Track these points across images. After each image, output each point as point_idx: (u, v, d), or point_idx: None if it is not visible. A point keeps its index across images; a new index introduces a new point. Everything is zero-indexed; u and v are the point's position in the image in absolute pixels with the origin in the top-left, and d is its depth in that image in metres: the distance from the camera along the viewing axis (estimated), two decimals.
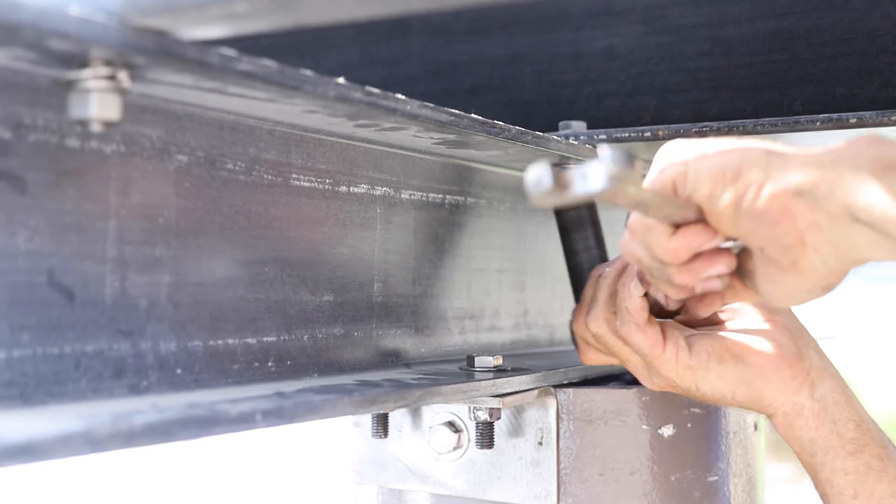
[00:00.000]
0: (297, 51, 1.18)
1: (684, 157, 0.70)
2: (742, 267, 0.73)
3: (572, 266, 0.99)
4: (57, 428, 0.50)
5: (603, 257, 0.98)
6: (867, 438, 0.80)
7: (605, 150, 0.56)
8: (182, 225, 0.66)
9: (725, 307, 0.82)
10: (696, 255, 0.70)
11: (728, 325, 0.83)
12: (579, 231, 0.98)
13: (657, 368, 0.80)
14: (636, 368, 0.82)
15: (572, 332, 0.85)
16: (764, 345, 0.80)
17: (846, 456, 0.79)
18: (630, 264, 0.80)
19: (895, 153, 0.62)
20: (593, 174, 0.55)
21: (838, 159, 0.64)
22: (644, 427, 0.90)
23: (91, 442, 0.50)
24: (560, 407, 0.90)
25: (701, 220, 0.69)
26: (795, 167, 0.65)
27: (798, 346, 0.81)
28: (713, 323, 0.83)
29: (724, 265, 0.71)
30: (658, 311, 0.82)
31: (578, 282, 0.97)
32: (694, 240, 0.69)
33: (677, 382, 0.80)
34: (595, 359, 0.84)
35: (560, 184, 0.56)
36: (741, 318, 0.83)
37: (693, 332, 0.81)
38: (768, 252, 0.68)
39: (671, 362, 0.79)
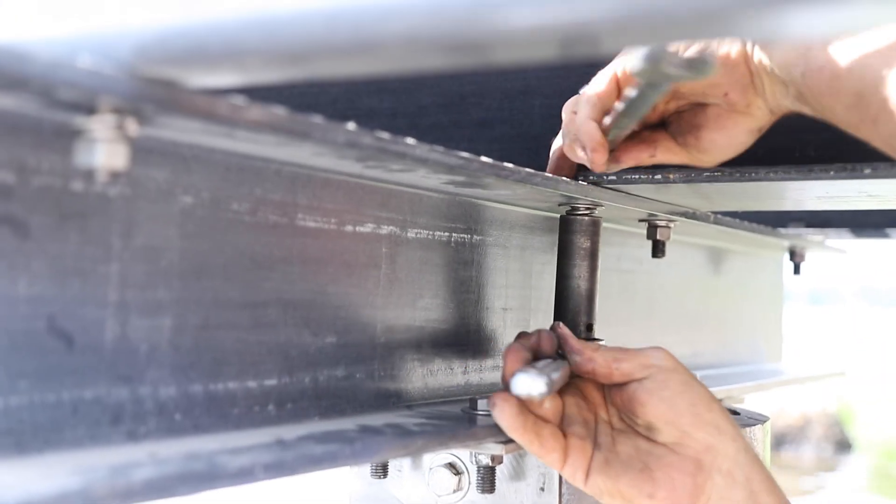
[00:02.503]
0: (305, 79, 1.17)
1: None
2: (685, 124, 0.89)
3: (560, 289, 0.98)
4: (54, 485, 0.49)
5: (591, 289, 0.97)
6: None
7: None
8: (185, 267, 0.65)
9: (641, 418, 0.81)
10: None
11: (633, 444, 0.81)
12: (577, 259, 0.97)
13: None
14: None
15: None
16: (658, 488, 0.79)
17: None
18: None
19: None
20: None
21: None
22: None
23: (88, 499, 0.49)
24: None
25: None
26: None
27: (698, 481, 0.79)
28: (630, 418, 0.82)
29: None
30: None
31: (561, 306, 0.97)
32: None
33: None
34: None
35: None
36: (654, 432, 0.81)
37: (594, 459, 0.80)
38: (731, 96, 0.84)
39: (569, 479, 0.81)
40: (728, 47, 0.84)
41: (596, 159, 0.86)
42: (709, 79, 0.80)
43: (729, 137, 0.88)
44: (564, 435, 0.80)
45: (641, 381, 0.80)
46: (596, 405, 0.83)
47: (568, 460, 0.79)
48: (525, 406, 0.78)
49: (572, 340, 0.83)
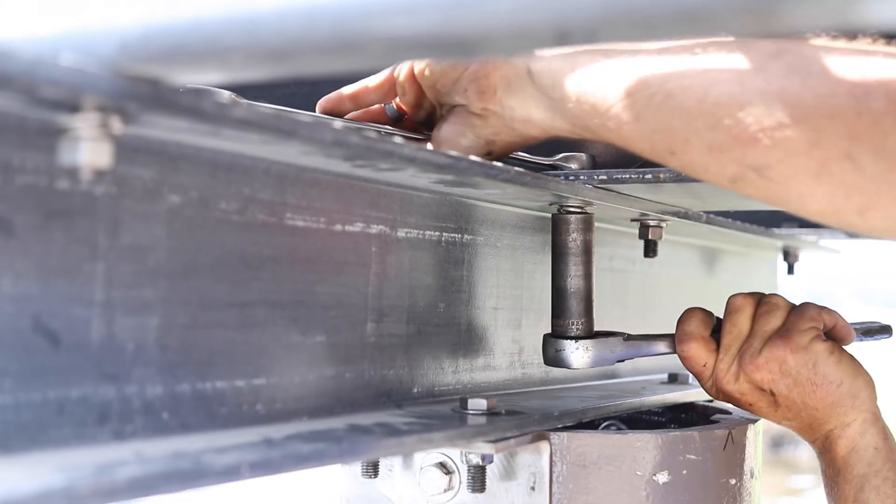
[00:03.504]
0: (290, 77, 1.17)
1: None
2: (437, 119, 0.94)
3: (556, 287, 0.98)
4: (37, 483, 0.49)
5: (588, 286, 0.97)
6: None
7: None
8: (172, 266, 0.65)
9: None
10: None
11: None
12: (571, 256, 0.97)
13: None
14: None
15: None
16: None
17: None
18: None
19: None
20: None
21: None
22: (638, 473, 0.89)
23: (72, 498, 0.49)
24: (553, 451, 0.89)
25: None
26: None
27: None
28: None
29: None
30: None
31: (559, 305, 0.97)
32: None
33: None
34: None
35: None
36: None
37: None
38: (469, 94, 0.88)
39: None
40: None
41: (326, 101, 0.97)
42: (455, 76, 0.88)
43: (459, 133, 0.91)
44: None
45: None
46: None
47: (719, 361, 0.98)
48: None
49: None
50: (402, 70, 0.93)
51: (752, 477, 0.98)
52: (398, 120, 0.97)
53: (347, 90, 0.96)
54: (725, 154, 0.74)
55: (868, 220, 0.71)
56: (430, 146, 0.92)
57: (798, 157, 0.71)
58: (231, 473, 0.57)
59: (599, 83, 0.80)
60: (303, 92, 1.20)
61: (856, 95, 0.69)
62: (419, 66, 0.92)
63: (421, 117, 0.96)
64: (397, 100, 0.96)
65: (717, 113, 0.73)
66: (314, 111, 0.96)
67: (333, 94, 0.96)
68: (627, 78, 0.78)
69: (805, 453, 7.94)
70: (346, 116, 0.96)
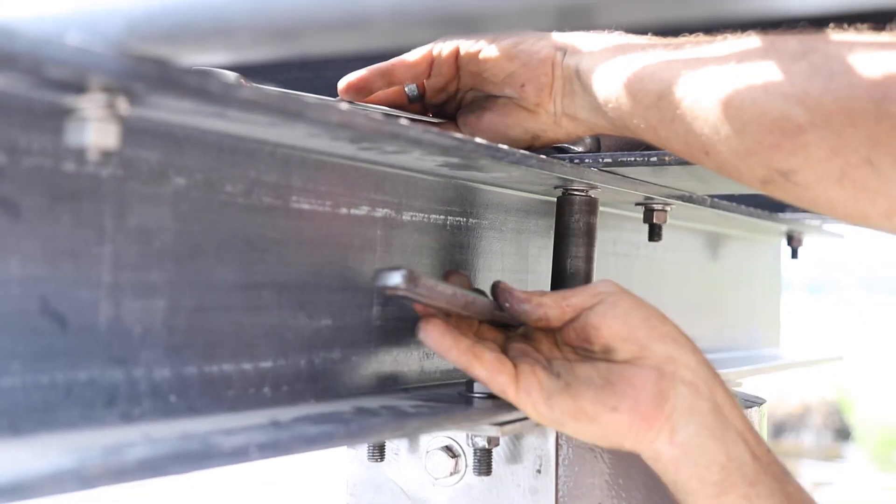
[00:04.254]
0: (299, 65, 1.17)
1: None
2: (474, 107, 0.94)
3: (557, 270, 0.98)
4: (47, 464, 0.49)
5: (589, 270, 0.97)
6: (734, 478, 0.77)
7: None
8: (179, 249, 0.65)
9: (597, 342, 0.80)
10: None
11: (591, 367, 0.80)
12: (574, 239, 0.97)
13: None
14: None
15: None
16: (621, 399, 0.77)
17: (708, 498, 0.77)
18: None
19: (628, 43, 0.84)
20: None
21: (593, 40, 0.88)
22: None
23: (82, 479, 0.49)
24: (559, 434, 0.89)
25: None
26: (560, 36, 0.89)
27: (661, 387, 0.78)
28: (585, 348, 0.81)
29: None
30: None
31: (559, 286, 0.97)
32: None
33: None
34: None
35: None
36: (612, 353, 0.80)
37: (551, 382, 0.78)
38: (526, 89, 0.90)
39: (527, 409, 0.77)
40: (539, 45, 0.90)
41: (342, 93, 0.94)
42: (512, 69, 0.90)
43: (507, 126, 0.92)
44: (515, 365, 0.77)
45: (593, 308, 0.80)
46: (549, 348, 0.82)
47: (521, 385, 0.76)
48: (453, 327, 0.77)
49: (517, 292, 0.82)
50: (443, 49, 0.93)
51: None
52: (416, 100, 0.97)
53: (381, 66, 0.94)
54: (753, 157, 0.75)
55: (895, 222, 0.72)
56: (470, 135, 0.91)
57: (820, 163, 0.72)
58: (239, 455, 0.57)
59: (634, 86, 0.82)
60: (305, 77, 1.20)
61: (875, 99, 0.69)
62: (467, 49, 0.92)
63: (440, 100, 0.96)
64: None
65: (742, 118, 0.74)
66: (318, 96, 0.96)
67: (363, 71, 0.93)
68: (660, 81, 0.80)
69: (806, 441, 7.95)
70: (363, 100, 0.95)
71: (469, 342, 0.77)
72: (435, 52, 0.93)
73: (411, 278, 0.73)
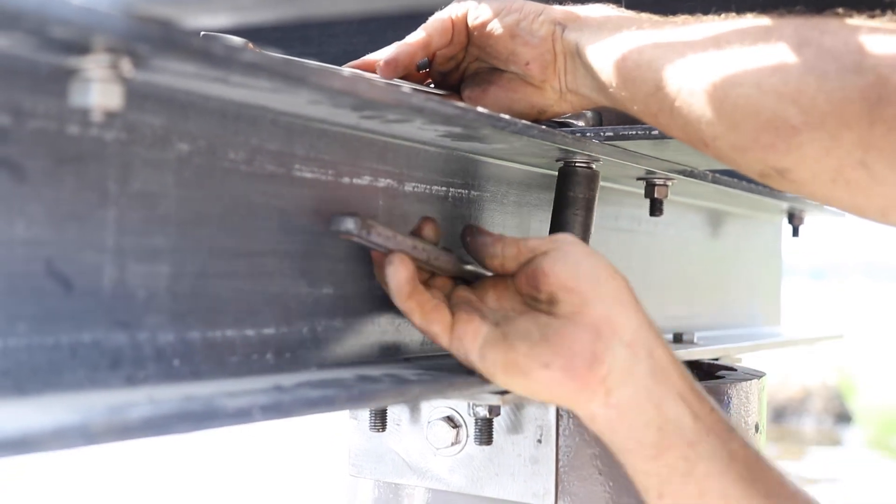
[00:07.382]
0: (302, 38, 1.17)
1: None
2: (478, 79, 0.95)
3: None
4: (52, 420, 0.50)
5: (585, 242, 0.97)
6: (672, 439, 0.76)
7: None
8: (182, 214, 0.66)
9: (544, 290, 0.78)
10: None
11: (532, 321, 0.78)
12: (572, 209, 0.97)
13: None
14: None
15: None
16: (555, 357, 0.76)
17: (646, 459, 0.76)
18: None
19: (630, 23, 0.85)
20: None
21: (592, 15, 0.90)
22: None
23: (86, 435, 0.50)
24: None
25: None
26: (559, 10, 0.91)
27: (597, 349, 0.76)
28: (532, 296, 0.79)
29: None
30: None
31: None
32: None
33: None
34: None
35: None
36: (555, 305, 0.78)
37: (487, 331, 0.77)
38: (531, 67, 0.91)
39: (459, 357, 0.77)
40: (539, 22, 0.91)
41: (385, 68, 0.92)
42: (514, 48, 0.91)
43: (512, 101, 0.93)
44: (453, 314, 0.77)
45: (547, 253, 0.79)
46: (495, 300, 0.81)
47: (454, 334, 0.76)
48: (416, 278, 0.76)
49: (481, 228, 0.81)
50: (457, 14, 0.93)
51: (756, 431, 0.99)
52: (424, 67, 0.97)
53: (418, 39, 0.93)
54: (749, 154, 0.76)
55: (890, 219, 0.73)
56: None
57: (815, 163, 0.73)
58: (243, 415, 0.58)
59: (632, 73, 0.83)
60: (310, 52, 1.20)
61: (869, 102, 0.69)
62: (475, 17, 0.93)
63: (447, 68, 0.97)
64: None
65: (736, 116, 0.75)
66: (312, 55, 0.95)
67: (404, 46, 0.93)
68: (657, 70, 0.81)
69: (807, 425, 7.97)
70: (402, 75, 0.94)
71: (420, 290, 0.76)
72: (455, 18, 0.94)
73: (364, 225, 0.73)
